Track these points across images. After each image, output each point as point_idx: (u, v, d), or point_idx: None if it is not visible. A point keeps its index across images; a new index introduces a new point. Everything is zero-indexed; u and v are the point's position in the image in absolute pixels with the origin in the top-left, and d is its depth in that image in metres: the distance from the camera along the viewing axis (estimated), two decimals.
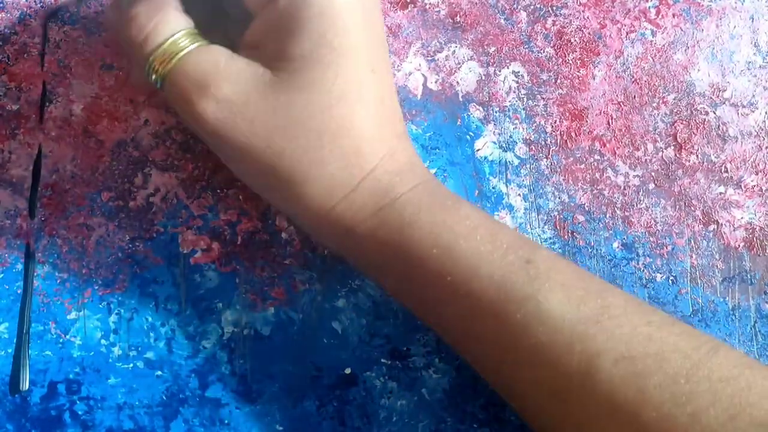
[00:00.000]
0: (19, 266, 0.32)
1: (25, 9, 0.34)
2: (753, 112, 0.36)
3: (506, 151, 0.35)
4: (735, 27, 0.37)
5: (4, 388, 0.31)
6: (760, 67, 0.37)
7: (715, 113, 0.36)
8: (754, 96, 0.36)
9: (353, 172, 0.27)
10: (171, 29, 0.28)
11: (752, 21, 0.37)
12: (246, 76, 0.27)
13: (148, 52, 0.28)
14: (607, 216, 0.35)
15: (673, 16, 0.37)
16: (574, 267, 0.28)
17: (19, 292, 0.32)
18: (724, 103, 0.36)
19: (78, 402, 0.32)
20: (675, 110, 0.36)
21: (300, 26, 0.26)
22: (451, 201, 0.28)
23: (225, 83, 0.26)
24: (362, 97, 0.27)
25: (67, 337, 0.32)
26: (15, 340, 0.32)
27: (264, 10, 0.27)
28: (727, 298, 0.35)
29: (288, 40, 0.26)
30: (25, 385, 0.31)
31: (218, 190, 0.33)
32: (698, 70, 0.36)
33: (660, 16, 0.37)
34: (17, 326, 0.32)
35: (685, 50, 0.36)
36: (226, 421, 0.32)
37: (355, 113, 0.27)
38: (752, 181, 0.36)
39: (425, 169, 0.29)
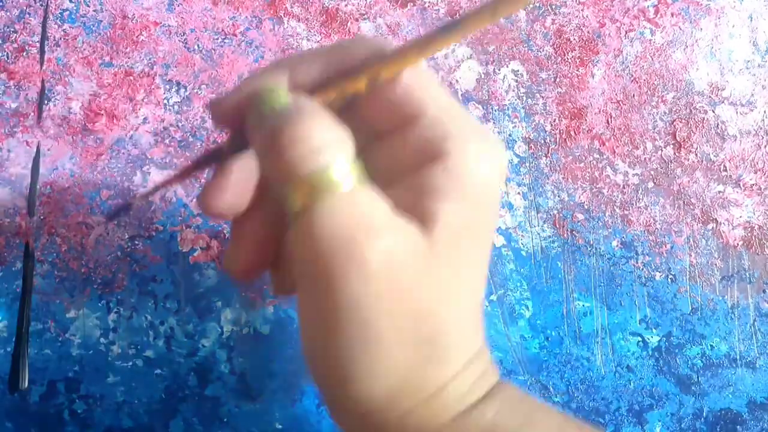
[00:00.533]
0: (18, 265, 0.32)
1: (25, 7, 0.34)
2: (752, 110, 0.36)
3: (506, 150, 0.35)
4: (734, 26, 0.37)
5: (3, 387, 0.31)
6: (758, 66, 0.37)
7: (714, 112, 0.36)
8: (752, 95, 0.36)
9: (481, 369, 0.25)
10: (342, 149, 0.23)
11: (751, 20, 0.37)
12: (406, 233, 0.23)
13: (308, 172, 0.22)
14: (607, 214, 0.35)
15: (672, 15, 0.37)
16: None
17: (18, 290, 0.32)
18: (722, 101, 0.36)
19: (77, 400, 0.32)
20: (674, 109, 0.36)
21: (457, 194, 0.23)
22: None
23: (389, 233, 0.23)
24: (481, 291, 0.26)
25: (67, 335, 0.32)
26: (14, 339, 0.32)
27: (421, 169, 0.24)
28: (726, 297, 0.35)
29: (443, 205, 0.23)
30: (25, 383, 0.31)
31: None
32: (697, 69, 0.36)
33: (659, 15, 0.37)
34: (16, 325, 0.32)
35: (684, 49, 0.37)
36: (225, 420, 0.32)
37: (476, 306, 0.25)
38: (751, 179, 0.36)
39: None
